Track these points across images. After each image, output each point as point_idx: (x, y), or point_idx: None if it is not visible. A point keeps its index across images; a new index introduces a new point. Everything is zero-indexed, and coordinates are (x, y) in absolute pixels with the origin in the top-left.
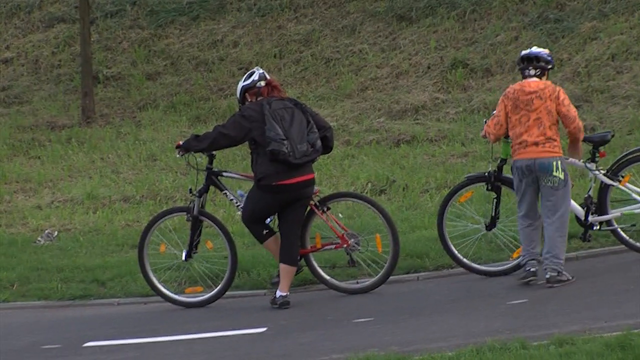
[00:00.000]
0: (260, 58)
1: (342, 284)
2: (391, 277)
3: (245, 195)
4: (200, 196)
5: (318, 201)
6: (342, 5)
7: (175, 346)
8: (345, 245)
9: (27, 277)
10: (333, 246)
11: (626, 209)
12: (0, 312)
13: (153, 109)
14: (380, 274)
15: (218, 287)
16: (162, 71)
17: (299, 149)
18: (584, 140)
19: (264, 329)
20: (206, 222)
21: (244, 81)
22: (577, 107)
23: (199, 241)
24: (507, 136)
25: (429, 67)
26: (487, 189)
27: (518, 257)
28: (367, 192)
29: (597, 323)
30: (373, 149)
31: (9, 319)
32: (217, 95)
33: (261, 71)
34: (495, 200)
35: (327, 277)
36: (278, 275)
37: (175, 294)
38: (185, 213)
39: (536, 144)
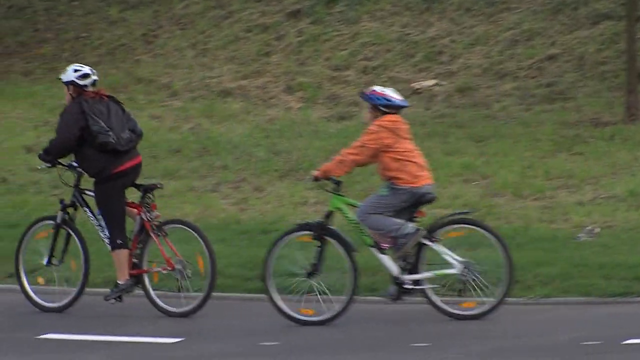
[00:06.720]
0: None
1: (171, 308)
2: None
3: None
4: (63, 209)
5: (156, 225)
6: None
7: None
8: (170, 269)
9: (568, 273)
10: (161, 269)
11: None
12: (541, 308)
13: None
14: (198, 299)
15: (74, 293)
16: None
17: (122, 137)
18: None
19: None
20: (66, 230)
21: (77, 78)
22: None
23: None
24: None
25: None
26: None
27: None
28: None
29: None
30: None
31: (549, 314)
32: None
33: (96, 77)
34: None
35: (157, 300)
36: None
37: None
38: (51, 221)
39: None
